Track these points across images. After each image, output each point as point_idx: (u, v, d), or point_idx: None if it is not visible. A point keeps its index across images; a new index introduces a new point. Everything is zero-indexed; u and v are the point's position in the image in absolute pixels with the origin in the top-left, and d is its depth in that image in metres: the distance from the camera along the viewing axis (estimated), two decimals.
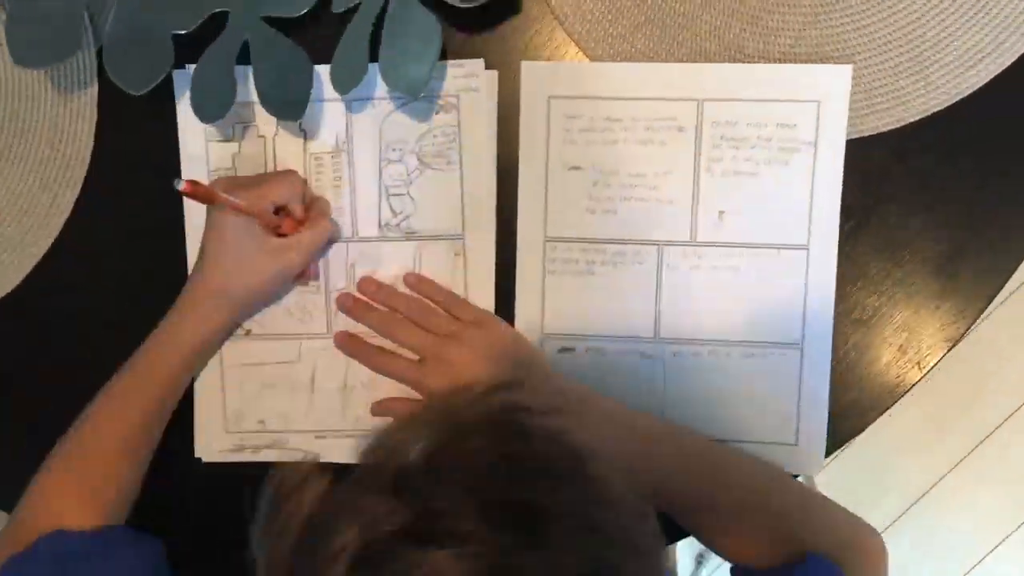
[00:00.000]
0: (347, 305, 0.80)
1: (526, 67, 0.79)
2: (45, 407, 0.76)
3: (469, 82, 0.78)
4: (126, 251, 0.82)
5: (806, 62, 0.76)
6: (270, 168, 0.80)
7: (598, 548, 0.44)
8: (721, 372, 0.76)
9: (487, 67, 0.78)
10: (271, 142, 0.80)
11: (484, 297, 0.79)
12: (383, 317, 0.79)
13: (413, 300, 0.79)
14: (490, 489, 0.44)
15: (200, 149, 0.79)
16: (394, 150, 0.78)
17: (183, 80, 0.79)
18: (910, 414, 1.53)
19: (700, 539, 0.75)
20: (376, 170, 0.78)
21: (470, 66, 0.78)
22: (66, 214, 0.80)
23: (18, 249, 0.81)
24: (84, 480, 0.73)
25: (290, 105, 0.76)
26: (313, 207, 0.78)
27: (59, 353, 0.81)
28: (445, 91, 0.79)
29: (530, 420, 0.49)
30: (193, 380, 0.80)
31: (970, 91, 0.75)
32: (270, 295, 0.79)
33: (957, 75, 0.74)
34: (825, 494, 0.76)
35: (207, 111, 0.76)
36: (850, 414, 0.77)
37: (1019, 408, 1.54)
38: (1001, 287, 0.77)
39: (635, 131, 0.76)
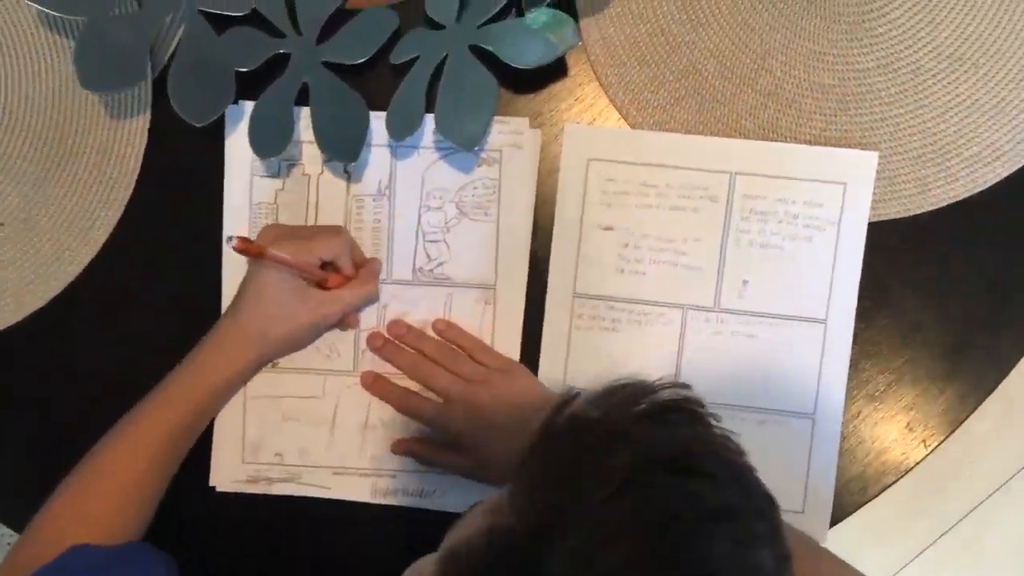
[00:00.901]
0: (377, 345, 0.82)
1: (570, 129, 0.82)
2: (69, 426, 0.78)
3: (513, 139, 0.81)
4: (161, 276, 0.83)
5: (835, 146, 0.79)
6: (312, 206, 0.81)
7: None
8: (736, 435, 0.83)
9: (531, 126, 0.81)
10: (315, 181, 0.82)
11: (511, 347, 0.81)
12: (412, 359, 0.81)
13: (442, 344, 0.81)
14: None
15: (245, 183, 0.81)
16: (435, 198, 0.80)
17: (235, 115, 0.81)
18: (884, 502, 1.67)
19: None
20: (415, 216, 0.81)
21: (516, 124, 0.81)
22: (106, 235, 0.81)
23: (55, 265, 0.82)
24: (101, 503, 0.72)
25: (346, 147, 0.79)
26: (366, 267, 0.80)
27: (84, 372, 0.81)
28: (489, 145, 0.81)
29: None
30: None
31: (987, 185, 0.79)
32: (304, 342, 0.81)
33: (976, 169, 0.79)
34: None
35: (264, 147, 0.79)
36: (855, 487, 0.79)
37: (983, 501, 1.55)
38: (1005, 376, 0.78)
39: (668, 197, 0.80)
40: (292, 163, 0.82)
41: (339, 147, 0.79)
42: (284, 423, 0.81)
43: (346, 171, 0.82)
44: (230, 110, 0.81)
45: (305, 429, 0.82)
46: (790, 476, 0.79)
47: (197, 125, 0.79)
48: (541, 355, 0.81)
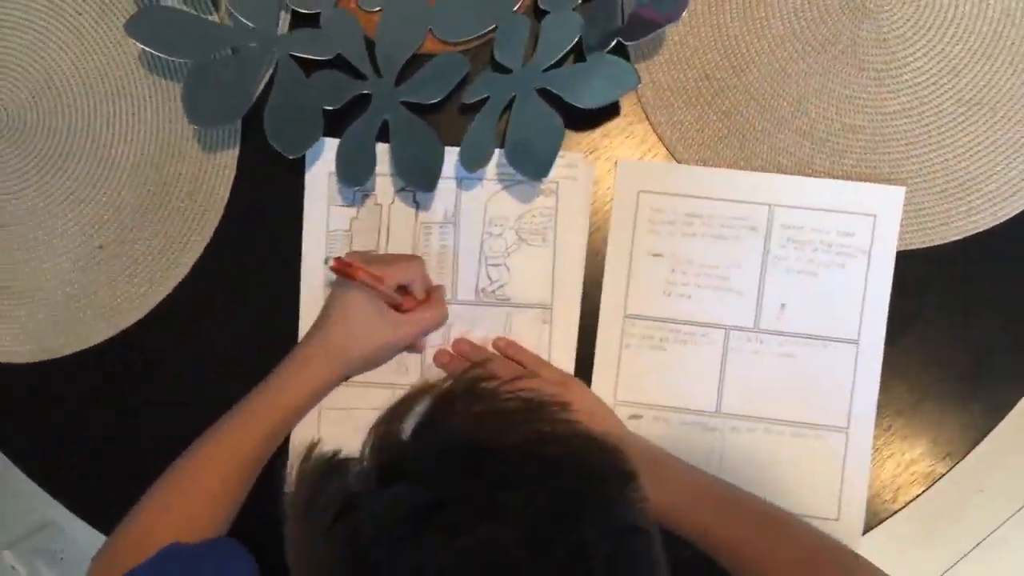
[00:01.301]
0: (443, 361, 0.86)
1: (622, 165, 0.88)
2: (157, 439, 0.78)
3: (570, 171, 0.86)
4: (245, 299, 0.86)
5: (866, 180, 0.84)
6: (384, 233, 0.86)
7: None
8: (773, 448, 0.82)
9: (585, 161, 0.86)
10: (387, 210, 0.87)
11: (566, 363, 0.86)
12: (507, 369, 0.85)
13: (503, 361, 0.84)
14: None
15: (323, 212, 0.86)
16: (496, 225, 0.86)
17: (315, 150, 0.86)
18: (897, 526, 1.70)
19: None
20: (479, 242, 0.86)
21: (571, 158, 0.87)
22: (195, 259, 0.86)
23: (147, 287, 0.86)
24: (189, 506, 0.75)
25: (423, 178, 0.83)
26: (434, 292, 0.85)
27: (172, 387, 0.84)
28: (547, 177, 0.85)
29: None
30: None
31: (1007, 218, 0.84)
32: (381, 360, 0.84)
33: (996, 203, 0.84)
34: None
35: (350, 177, 0.84)
36: (886, 495, 0.82)
37: (999, 527, 1.60)
38: (1021, 397, 0.82)
39: (712, 227, 0.85)
40: (366, 194, 0.87)
41: (416, 179, 0.84)
42: (356, 433, 0.82)
43: (415, 201, 0.86)
44: (312, 150, 0.83)
45: None
46: (825, 486, 0.82)
47: (290, 157, 0.84)
48: (594, 371, 0.85)
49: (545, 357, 0.84)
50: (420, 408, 0.47)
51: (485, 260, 0.85)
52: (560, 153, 0.85)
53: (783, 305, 0.84)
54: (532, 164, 0.83)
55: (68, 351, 0.86)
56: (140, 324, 0.87)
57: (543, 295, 0.85)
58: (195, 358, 0.87)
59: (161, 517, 0.74)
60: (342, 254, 0.85)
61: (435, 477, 0.43)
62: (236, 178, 0.88)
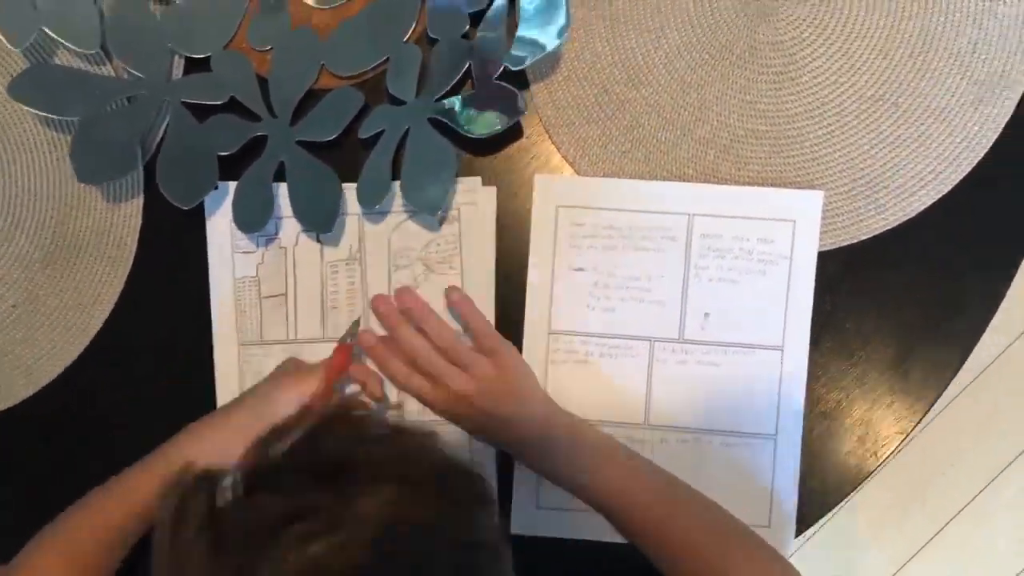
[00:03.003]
0: (381, 309, 0.77)
1: (539, 179, 0.77)
2: (79, 491, 0.74)
3: (469, 196, 0.77)
4: (162, 346, 0.81)
5: (773, 185, 0.76)
6: (290, 275, 0.79)
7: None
8: (703, 457, 0.75)
9: (494, 183, 0.78)
10: (291, 252, 0.78)
11: None
12: (411, 337, 0.76)
13: (443, 327, 0.76)
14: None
15: (227, 259, 0.79)
16: (403, 257, 0.78)
17: (214, 197, 0.78)
18: (872, 503, 1.46)
19: (659, 566, 0.70)
20: (387, 275, 0.78)
21: (469, 183, 0.77)
22: (108, 310, 0.80)
23: (62, 341, 0.81)
24: (73, 562, 0.70)
25: (320, 219, 0.76)
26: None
27: (92, 441, 0.80)
28: (447, 204, 0.77)
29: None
30: None
31: (914, 213, 0.75)
32: None
33: (903, 199, 0.75)
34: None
35: (248, 223, 0.76)
36: (815, 499, 0.76)
37: (970, 501, 1.48)
38: (946, 386, 0.76)
39: (632, 239, 0.76)
40: (269, 238, 0.78)
41: (314, 220, 0.76)
42: None
43: (319, 240, 0.78)
44: (209, 200, 0.78)
45: None
46: (755, 493, 0.75)
47: (184, 208, 0.75)
48: None
49: None
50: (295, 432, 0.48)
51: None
52: (457, 180, 0.77)
53: (707, 314, 0.76)
54: (427, 197, 0.75)
55: None
56: (61, 378, 0.81)
57: (456, 322, 0.78)
58: (117, 407, 0.81)
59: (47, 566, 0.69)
60: (254, 303, 0.79)
61: (296, 489, 0.45)
62: (143, 227, 0.80)
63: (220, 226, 0.79)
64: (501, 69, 0.74)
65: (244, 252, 0.79)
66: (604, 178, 0.78)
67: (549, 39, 0.74)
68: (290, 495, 0.45)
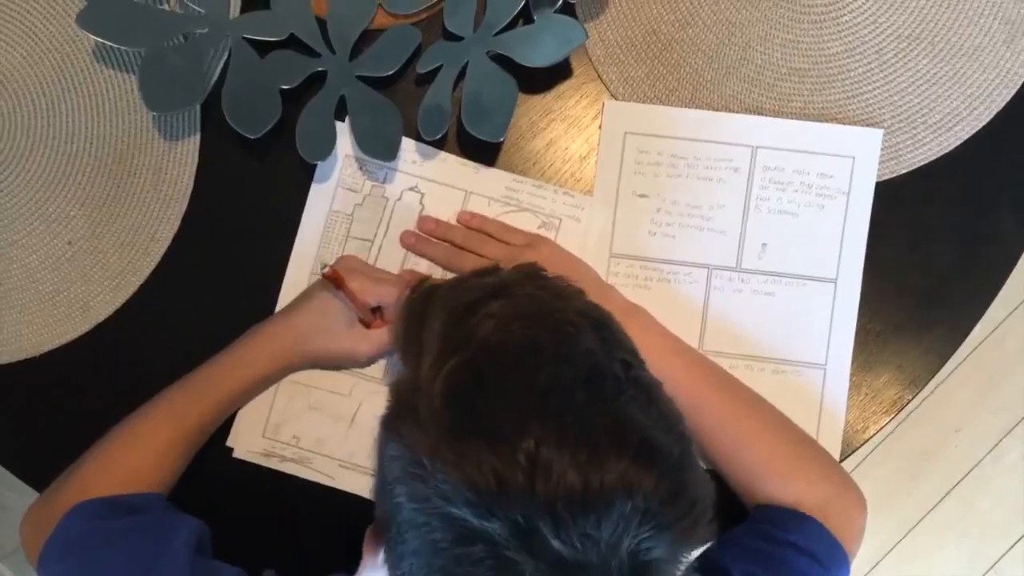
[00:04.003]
0: (410, 241, 0.74)
1: (609, 105, 0.74)
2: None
3: (573, 211, 0.77)
4: (217, 284, 0.78)
5: (815, 121, 0.75)
6: (384, 225, 0.76)
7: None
8: (754, 383, 0.73)
9: (549, 117, 0.77)
10: (391, 205, 0.76)
11: None
12: (445, 250, 0.74)
13: (470, 233, 0.74)
14: None
15: (330, 189, 0.77)
16: None
17: (341, 131, 0.76)
18: (878, 469, 1.43)
19: (716, 467, 0.69)
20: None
21: (579, 199, 0.76)
22: (164, 248, 0.77)
23: (119, 279, 0.77)
24: (127, 461, 0.70)
25: (383, 149, 0.73)
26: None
27: (146, 378, 0.76)
28: (550, 211, 0.75)
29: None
30: None
31: (951, 148, 0.74)
32: (330, 365, 0.75)
33: (940, 135, 0.74)
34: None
35: (312, 152, 0.73)
36: (857, 426, 0.75)
37: (979, 462, 1.48)
38: (980, 316, 0.75)
39: (696, 168, 0.74)
40: (376, 184, 0.76)
41: (377, 149, 0.73)
42: (308, 410, 0.74)
43: (422, 203, 0.76)
44: (340, 128, 0.76)
45: (325, 420, 0.73)
46: (803, 420, 0.72)
47: (252, 137, 0.71)
48: None
49: None
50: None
51: None
52: (569, 192, 0.75)
53: (764, 245, 0.74)
54: (490, 126, 0.72)
55: (46, 348, 0.78)
56: (116, 316, 0.78)
57: None
58: (171, 349, 0.77)
59: (104, 469, 0.69)
60: (340, 239, 0.77)
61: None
62: (199, 165, 0.77)
63: (336, 158, 0.76)
64: (560, 3, 0.69)
65: (348, 189, 0.75)
66: (672, 107, 0.73)
67: None
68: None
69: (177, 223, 0.77)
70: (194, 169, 0.77)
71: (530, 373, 0.44)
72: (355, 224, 0.75)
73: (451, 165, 0.74)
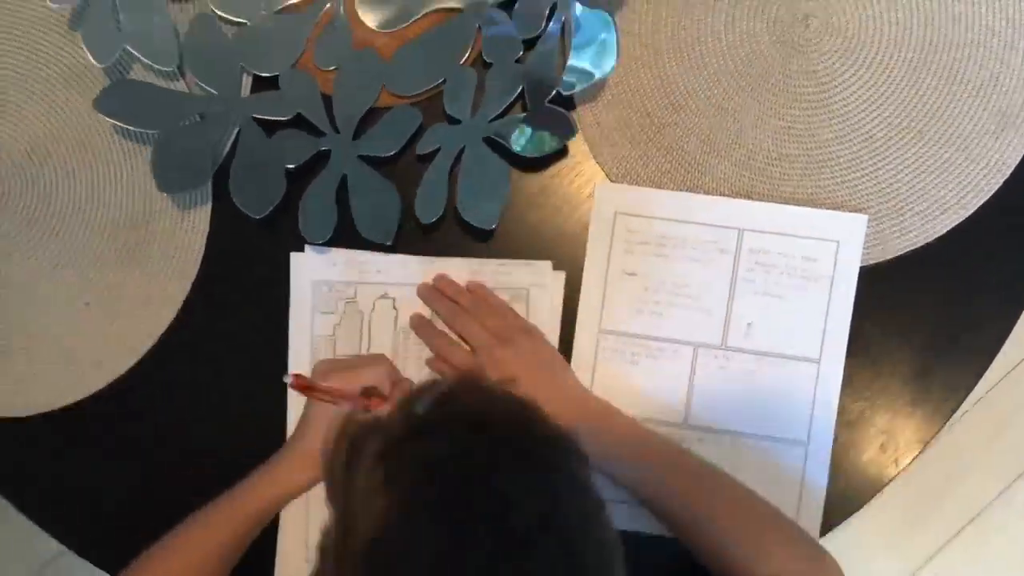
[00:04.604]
0: (423, 293, 0.77)
1: (600, 187, 0.76)
2: (149, 480, 0.81)
3: (538, 279, 0.78)
4: (230, 340, 0.82)
5: (803, 206, 0.76)
6: (364, 338, 0.79)
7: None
8: (738, 458, 0.74)
9: (541, 200, 0.80)
10: (367, 317, 0.79)
11: None
12: (452, 308, 0.76)
13: (476, 299, 0.77)
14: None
15: (307, 318, 0.80)
16: None
17: (299, 267, 0.81)
18: (888, 511, 1.44)
19: (696, 556, 0.70)
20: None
21: (539, 267, 0.78)
22: (176, 309, 0.81)
23: (134, 336, 0.82)
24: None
25: (382, 230, 0.76)
26: (398, 386, 0.75)
27: (161, 433, 0.81)
28: (518, 283, 0.78)
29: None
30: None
31: (938, 235, 0.75)
32: None
33: (927, 222, 0.75)
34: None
35: (314, 232, 0.76)
36: (837, 503, 0.76)
37: (984, 509, 1.47)
38: (963, 399, 0.77)
39: (684, 249, 0.76)
40: (349, 301, 0.79)
41: (375, 230, 0.75)
42: None
43: (395, 308, 0.79)
44: (295, 261, 0.80)
45: None
46: (785, 495, 0.74)
47: (256, 217, 0.74)
48: None
49: None
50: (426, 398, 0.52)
51: None
52: (529, 262, 0.78)
53: (749, 324, 0.76)
54: (481, 213, 0.76)
55: (62, 403, 0.81)
56: (131, 372, 0.81)
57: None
58: (186, 400, 0.81)
59: None
60: (328, 355, 0.80)
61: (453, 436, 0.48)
62: (210, 233, 0.80)
63: (304, 287, 0.78)
64: (553, 93, 0.71)
65: (324, 312, 0.78)
66: (662, 190, 0.76)
67: (599, 69, 0.72)
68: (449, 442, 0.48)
69: (188, 286, 0.81)
70: (205, 237, 0.80)
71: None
72: (339, 343, 0.78)
73: (412, 265, 0.77)
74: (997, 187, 0.75)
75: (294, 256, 0.77)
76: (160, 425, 0.80)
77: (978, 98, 0.75)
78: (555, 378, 0.74)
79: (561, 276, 0.77)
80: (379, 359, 0.74)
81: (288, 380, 0.68)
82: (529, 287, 0.77)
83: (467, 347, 0.75)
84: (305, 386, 0.69)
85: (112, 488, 0.80)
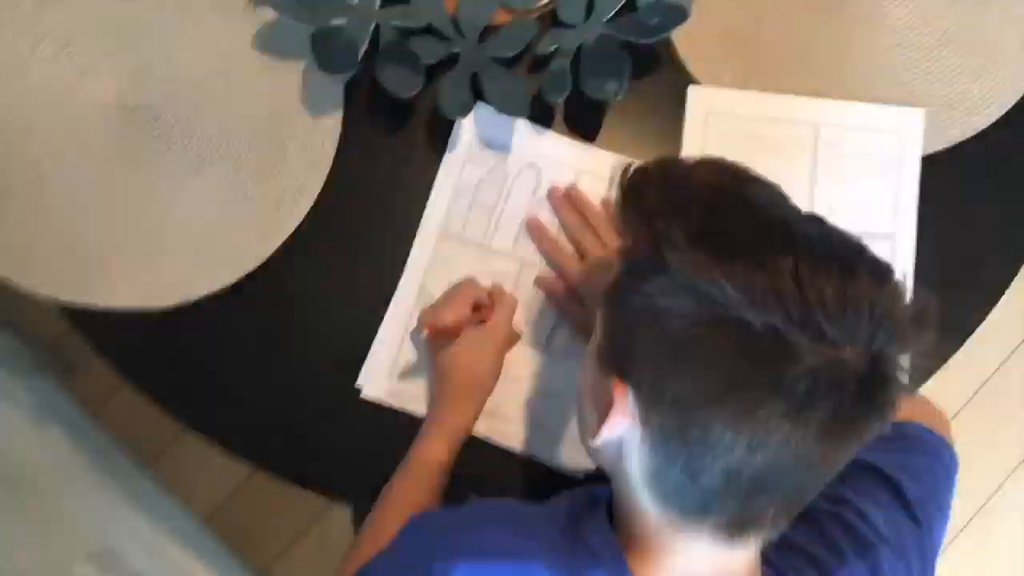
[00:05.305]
0: (554, 198, 0.85)
1: (692, 89, 0.85)
2: (286, 372, 0.87)
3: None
4: (357, 243, 0.88)
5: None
6: (503, 197, 0.88)
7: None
8: None
9: (641, 97, 0.87)
10: (511, 178, 0.87)
11: None
12: (579, 220, 0.83)
13: (605, 218, 0.83)
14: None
15: (460, 160, 0.88)
16: None
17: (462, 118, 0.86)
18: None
19: None
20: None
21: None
22: (307, 208, 0.88)
23: (267, 231, 0.88)
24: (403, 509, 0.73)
25: (517, 106, 0.85)
26: (495, 292, 0.83)
27: (295, 325, 0.87)
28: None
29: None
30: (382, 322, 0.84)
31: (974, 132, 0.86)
32: (500, 364, 0.81)
33: (971, 116, 0.86)
34: None
35: (453, 110, 0.85)
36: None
37: (984, 504, 1.50)
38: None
39: (769, 144, 0.86)
40: (500, 160, 0.87)
41: (511, 107, 0.84)
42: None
43: (538, 179, 0.86)
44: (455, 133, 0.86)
45: None
46: None
47: (403, 96, 0.83)
48: None
49: None
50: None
51: None
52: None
53: (831, 207, 0.84)
54: (607, 90, 0.85)
55: (200, 294, 0.87)
56: (263, 266, 0.87)
57: None
58: (315, 294, 0.87)
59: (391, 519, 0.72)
60: (467, 205, 0.88)
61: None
62: (341, 138, 0.87)
63: (465, 135, 0.88)
64: None
65: (474, 164, 0.86)
66: (747, 91, 0.86)
67: None
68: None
69: (320, 185, 0.88)
70: (335, 140, 0.87)
71: (762, 211, 0.51)
72: (479, 193, 0.85)
73: (563, 145, 0.85)
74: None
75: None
76: (296, 317, 0.89)
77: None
78: None
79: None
80: (465, 284, 0.82)
81: (424, 335, 0.78)
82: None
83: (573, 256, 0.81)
84: (435, 329, 0.78)
85: (250, 379, 0.89)
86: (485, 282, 0.82)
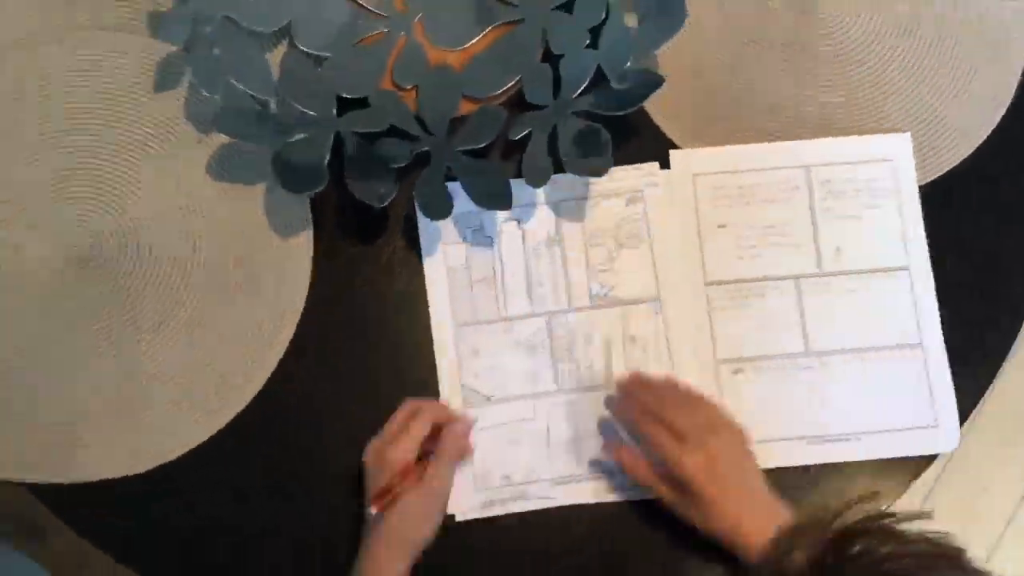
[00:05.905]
0: (625, 383, 0.80)
1: (675, 154, 0.84)
2: (278, 518, 0.81)
3: (650, 180, 0.85)
4: (352, 363, 0.84)
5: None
6: (497, 260, 0.86)
7: None
8: (865, 372, 0.80)
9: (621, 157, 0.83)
10: (497, 240, 0.84)
11: (683, 344, 0.84)
12: (660, 398, 0.77)
13: (679, 390, 0.77)
14: None
15: (439, 251, 0.85)
16: (596, 237, 0.84)
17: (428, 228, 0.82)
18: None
19: None
20: (583, 253, 0.85)
21: (648, 168, 0.85)
22: (287, 340, 0.84)
23: (249, 369, 0.84)
24: None
25: (497, 201, 0.81)
26: (444, 437, 0.77)
27: (264, 481, 0.82)
28: (632, 188, 0.84)
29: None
30: None
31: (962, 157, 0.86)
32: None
33: (959, 141, 0.86)
34: None
35: (434, 215, 0.81)
36: (963, 391, 0.83)
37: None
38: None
39: (763, 194, 0.83)
40: (475, 229, 0.84)
41: (494, 202, 0.81)
42: (507, 447, 0.79)
43: (520, 228, 0.83)
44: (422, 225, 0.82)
45: (526, 449, 0.79)
46: (917, 397, 0.81)
47: (378, 206, 0.78)
48: (691, 339, 0.82)
49: (663, 346, 0.81)
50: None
51: (593, 268, 0.84)
52: (637, 166, 0.85)
53: (838, 248, 0.83)
54: (591, 167, 0.82)
55: (177, 454, 0.83)
56: (244, 411, 0.82)
57: (650, 291, 0.84)
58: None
59: None
60: (466, 287, 0.86)
61: None
62: (314, 256, 0.84)
63: (431, 227, 0.84)
64: (628, 64, 0.79)
65: (454, 243, 0.83)
66: (729, 146, 0.84)
67: (664, 37, 0.82)
68: None
69: (299, 312, 0.86)
70: (310, 257, 0.85)
71: None
72: (472, 271, 0.83)
73: (529, 189, 0.82)
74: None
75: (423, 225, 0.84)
76: (306, 430, 0.85)
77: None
78: (747, 468, 0.78)
79: (668, 173, 0.86)
80: (413, 421, 0.79)
81: (371, 511, 0.73)
82: (644, 188, 0.90)
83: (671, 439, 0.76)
84: (381, 501, 0.75)
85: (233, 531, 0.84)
86: (521, 353, 0.84)
